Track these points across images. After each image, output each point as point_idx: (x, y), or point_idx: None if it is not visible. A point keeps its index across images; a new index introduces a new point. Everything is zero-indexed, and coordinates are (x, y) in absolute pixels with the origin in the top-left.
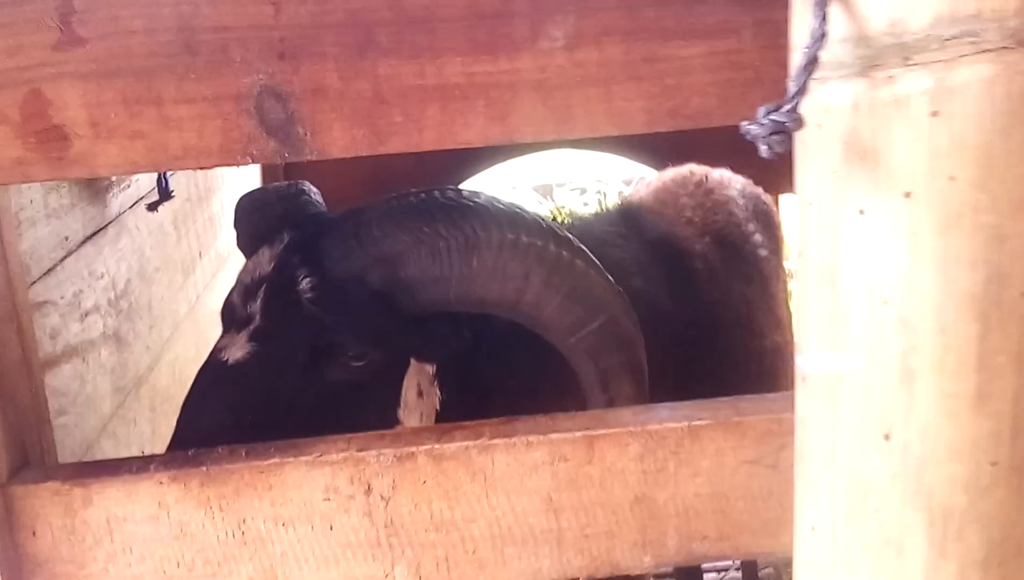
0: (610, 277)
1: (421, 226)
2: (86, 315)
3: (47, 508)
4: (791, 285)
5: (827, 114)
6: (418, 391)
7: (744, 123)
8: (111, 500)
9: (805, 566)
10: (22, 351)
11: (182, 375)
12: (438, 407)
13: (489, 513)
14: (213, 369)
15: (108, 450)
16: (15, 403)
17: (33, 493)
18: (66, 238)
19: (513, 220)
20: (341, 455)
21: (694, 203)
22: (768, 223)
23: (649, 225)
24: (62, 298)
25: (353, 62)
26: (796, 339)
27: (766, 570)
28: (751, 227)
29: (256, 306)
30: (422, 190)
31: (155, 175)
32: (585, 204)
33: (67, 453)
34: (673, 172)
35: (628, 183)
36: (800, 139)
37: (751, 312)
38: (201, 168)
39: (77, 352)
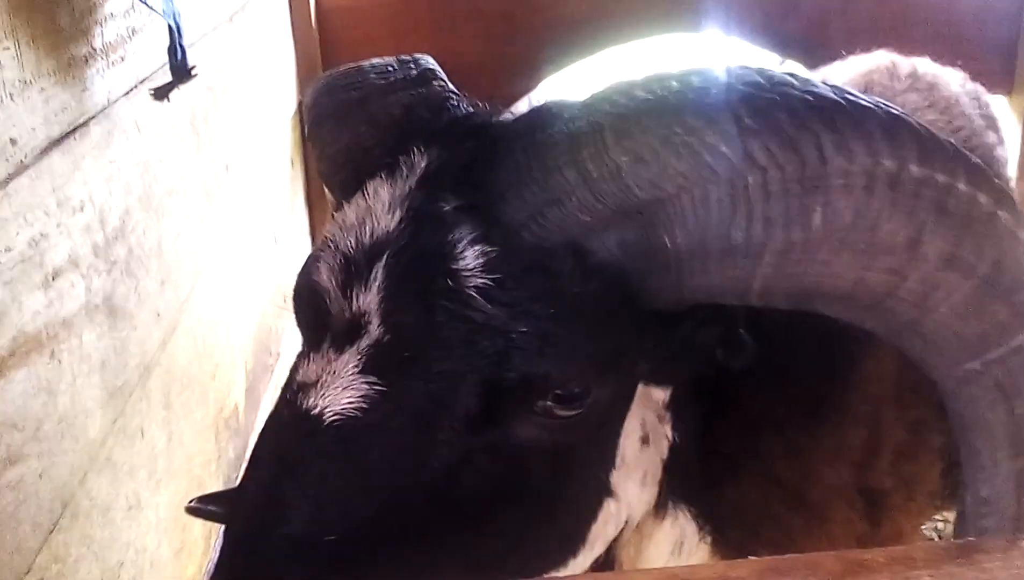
0: None
1: (713, 143)
2: (54, 277)
3: None
4: None
5: None
6: (642, 437)
7: None
8: None
9: None
10: None
11: (206, 345)
12: (665, 456)
13: None
14: (295, 428)
15: (101, 491)
16: None
17: None
18: (13, 142)
19: (889, 130)
20: None
21: (926, 102)
22: (1001, 134)
23: None
24: (8, 250)
25: None
26: None
27: None
28: (992, 138)
29: (371, 299)
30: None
31: (161, 44)
32: None
33: (26, 528)
34: (867, 61)
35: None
36: None
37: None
38: None
39: (40, 345)
